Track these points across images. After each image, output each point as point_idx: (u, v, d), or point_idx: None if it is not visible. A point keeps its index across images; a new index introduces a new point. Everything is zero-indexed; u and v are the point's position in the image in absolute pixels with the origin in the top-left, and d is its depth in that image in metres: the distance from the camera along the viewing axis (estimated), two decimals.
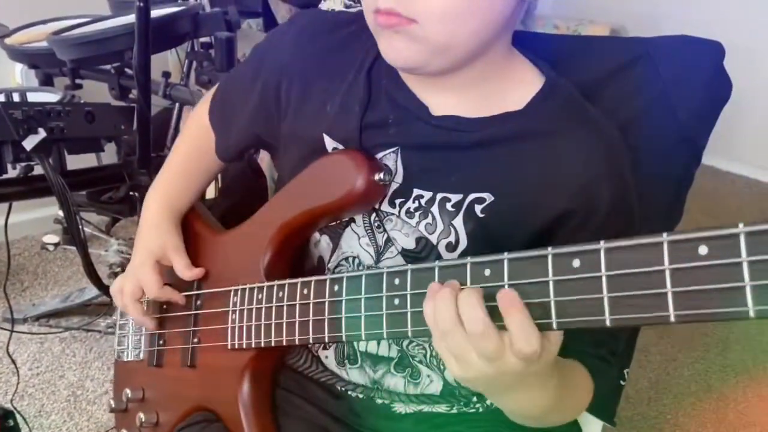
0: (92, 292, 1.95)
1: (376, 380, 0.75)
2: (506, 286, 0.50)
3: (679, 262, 0.41)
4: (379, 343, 0.74)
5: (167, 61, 2.14)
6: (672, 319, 0.41)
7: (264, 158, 1.70)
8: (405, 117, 0.67)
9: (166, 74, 1.74)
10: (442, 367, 0.72)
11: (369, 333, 0.61)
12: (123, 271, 1.75)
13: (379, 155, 0.69)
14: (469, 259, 0.53)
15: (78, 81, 1.73)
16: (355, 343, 0.76)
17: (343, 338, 0.63)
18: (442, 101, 0.66)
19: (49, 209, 2.17)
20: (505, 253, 0.50)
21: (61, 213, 1.94)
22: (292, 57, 0.74)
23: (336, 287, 0.64)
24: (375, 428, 0.76)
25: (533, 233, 0.66)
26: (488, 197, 0.65)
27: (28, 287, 2.11)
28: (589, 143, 0.65)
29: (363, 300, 0.61)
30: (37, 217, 2.26)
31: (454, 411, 0.74)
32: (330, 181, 0.69)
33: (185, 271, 0.84)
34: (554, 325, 0.47)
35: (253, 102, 0.78)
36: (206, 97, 0.89)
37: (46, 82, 1.85)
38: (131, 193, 1.45)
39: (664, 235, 0.42)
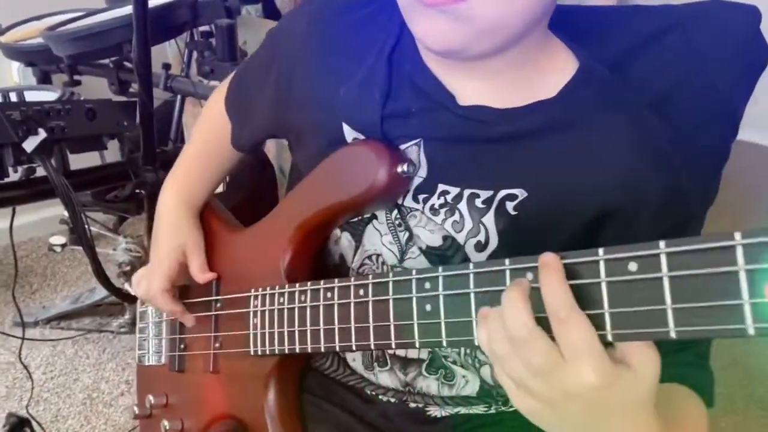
0: (103, 292, 1.92)
1: (407, 383, 0.71)
2: None
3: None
4: None
5: (167, 53, 2.09)
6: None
7: (270, 148, 1.66)
8: (429, 106, 0.62)
9: (167, 66, 1.70)
10: (477, 365, 0.68)
11: (399, 342, 0.57)
12: (132, 269, 1.73)
13: (401, 147, 0.64)
14: (507, 264, 0.48)
15: (76, 77, 1.69)
16: None
17: (372, 346, 0.59)
18: (471, 90, 0.61)
19: (54, 209, 2.14)
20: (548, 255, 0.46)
21: (66, 213, 1.90)
22: (306, 41, 0.69)
23: (361, 291, 0.60)
24: None
25: (571, 233, 0.61)
26: (521, 193, 0.60)
27: (37, 289, 2.08)
28: (630, 131, 0.60)
29: (391, 302, 0.57)
30: (43, 218, 2.23)
31: (492, 411, 0.70)
32: (349, 174, 0.65)
33: (199, 273, 0.80)
34: (609, 337, 0.42)
35: (269, 89, 0.74)
36: (222, 87, 0.85)
37: (44, 79, 1.80)
38: (137, 191, 1.41)
39: (737, 236, 0.37)
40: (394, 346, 0.57)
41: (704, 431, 0.59)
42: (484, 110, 0.60)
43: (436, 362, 0.69)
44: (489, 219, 0.61)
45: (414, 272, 0.55)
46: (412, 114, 0.63)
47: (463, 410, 0.70)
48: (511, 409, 0.71)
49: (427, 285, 0.54)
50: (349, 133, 0.67)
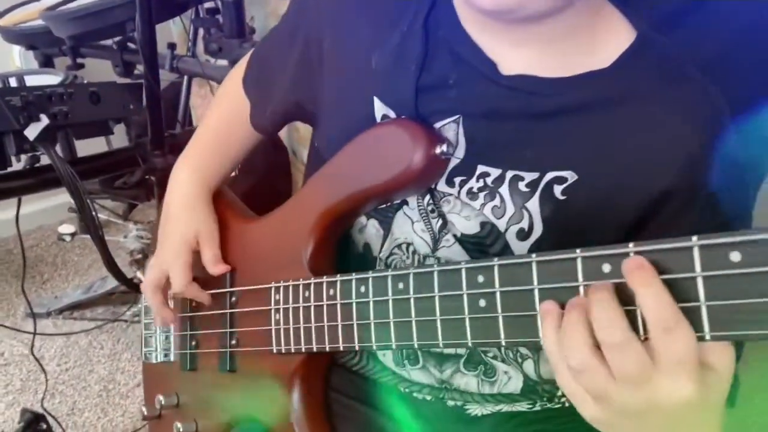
0: (115, 280, 1.88)
1: (444, 380, 0.66)
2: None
3: None
4: None
5: (171, 32, 2.02)
6: None
7: (282, 130, 1.60)
8: (469, 76, 0.56)
9: (172, 46, 1.64)
10: (519, 360, 0.63)
11: (447, 342, 0.51)
12: (144, 257, 1.68)
13: (437, 125, 0.58)
14: (579, 252, 0.42)
15: (79, 60, 1.63)
16: None
17: (415, 345, 0.53)
18: (515, 58, 0.55)
19: (63, 196, 2.09)
20: (630, 244, 0.40)
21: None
22: (335, 6, 0.63)
23: (401, 285, 0.54)
24: None
25: (622, 220, 0.55)
26: (570, 176, 0.54)
27: (48, 279, 2.04)
28: (691, 107, 0.53)
29: (438, 299, 0.51)
30: (51, 206, 2.19)
31: (537, 408, 0.65)
32: (381, 157, 0.59)
33: (212, 265, 0.75)
34: (707, 337, 0.36)
35: (293, 61, 0.68)
36: (240, 64, 0.79)
37: (47, 63, 1.75)
38: (146, 177, 1.35)
39: None
40: (441, 346, 0.51)
41: None
42: (531, 80, 0.54)
43: (475, 357, 0.64)
44: (533, 204, 0.55)
45: (463, 263, 0.49)
46: (450, 86, 0.57)
47: (505, 408, 0.65)
48: (557, 407, 0.65)
49: (481, 278, 0.48)
50: (380, 109, 0.61)
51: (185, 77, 1.85)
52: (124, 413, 1.54)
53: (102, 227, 1.18)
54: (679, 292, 0.37)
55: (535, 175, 0.55)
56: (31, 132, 0.93)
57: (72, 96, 1.00)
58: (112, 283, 1.87)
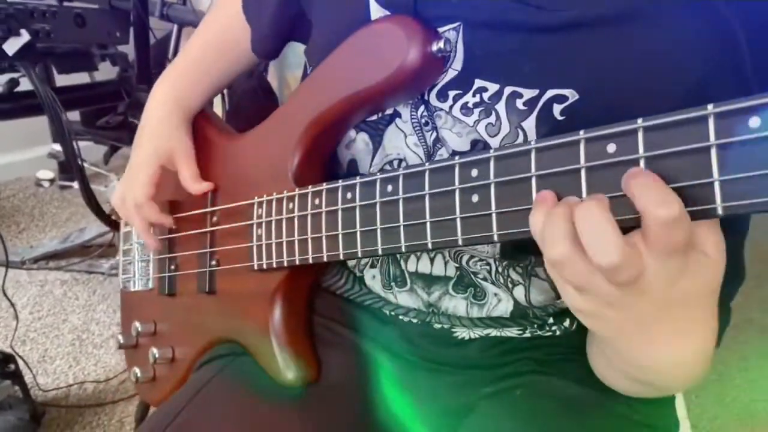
0: (93, 231, 1.84)
1: (431, 303, 0.64)
2: (642, 162, 0.37)
3: None
4: (432, 262, 0.62)
5: None
6: None
7: (273, 75, 1.56)
8: None
9: None
10: (510, 285, 0.61)
11: (436, 241, 0.49)
12: None
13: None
14: (582, 134, 0.40)
15: None
16: (402, 263, 0.64)
17: (403, 248, 0.51)
18: None
19: (42, 148, 2.04)
20: (639, 120, 0.37)
21: (55, 147, 1.81)
22: None
23: (390, 187, 0.52)
24: (433, 357, 0.65)
25: None
26: (571, 95, 0.51)
27: (24, 229, 2.00)
28: (707, 27, 0.51)
29: (427, 197, 0.49)
30: (31, 158, 2.14)
31: (527, 335, 0.63)
32: (373, 57, 0.56)
33: (192, 183, 0.72)
34: (720, 210, 0.34)
35: None
36: None
37: None
38: (130, 118, 1.31)
39: None
40: (430, 246, 0.49)
41: (709, 362, 0.52)
42: None
43: (465, 279, 0.62)
44: (530, 123, 0.53)
45: (457, 158, 0.47)
46: None
47: (494, 332, 0.62)
48: (547, 334, 0.63)
49: (475, 172, 0.45)
50: (376, 12, 0.58)
51: (174, 27, 1.80)
52: (96, 363, 1.51)
53: (84, 167, 1.15)
54: (691, 167, 0.35)
55: (534, 92, 0.52)
56: (11, 47, 0.89)
57: (56, 15, 0.96)
58: (89, 233, 1.83)
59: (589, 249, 0.36)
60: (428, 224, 0.49)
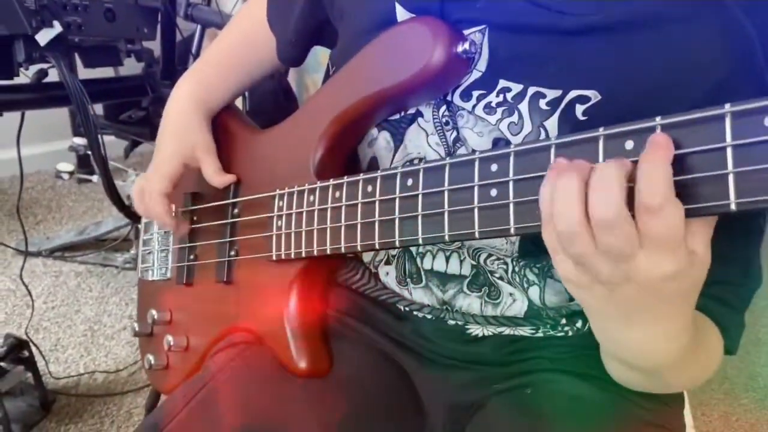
0: (108, 225, 1.86)
1: (445, 301, 0.65)
2: None
3: None
4: (448, 260, 0.64)
5: None
6: None
7: (293, 78, 1.58)
8: None
9: None
10: (526, 285, 0.62)
11: (453, 234, 0.50)
12: None
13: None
14: (601, 131, 0.41)
15: None
16: (417, 260, 0.65)
17: (420, 241, 0.52)
18: None
19: (61, 142, 2.07)
20: (657, 118, 0.39)
21: (76, 140, 1.83)
22: None
23: (410, 181, 0.53)
24: (446, 353, 0.66)
25: None
26: (594, 96, 0.53)
27: (41, 221, 2.03)
28: (726, 33, 0.52)
29: (447, 193, 0.50)
30: (50, 151, 2.17)
31: (540, 334, 0.64)
32: (399, 56, 0.57)
33: (215, 176, 0.74)
34: (733, 206, 0.35)
35: None
36: None
37: None
38: (152, 114, 1.33)
39: None
40: (447, 239, 0.50)
41: (714, 364, 0.56)
42: None
43: (480, 279, 0.63)
44: (552, 123, 0.54)
45: (477, 153, 0.48)
46: None
47: (507, 331, 0.63)
48: (559, 335, 0.64)
49: (494, 167, 0.47)
50: (403, 16, 0.60)
51: (198, 27, 1.83)
52: (107, 354, 1.53)
53: (107, 157, 1.17)
54: (706, 161, 0.36)
55: (557, 93, 0.54)
56: (43, 37, 0.91)
57: (87, 9, 0.99)
58: (105, 227, 1.86)
59: (591, 198, 0.38)
60: (446, 217, 0.50)
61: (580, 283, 0.43)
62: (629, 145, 0.40)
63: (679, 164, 0.37)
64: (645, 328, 0.45)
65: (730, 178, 0.35)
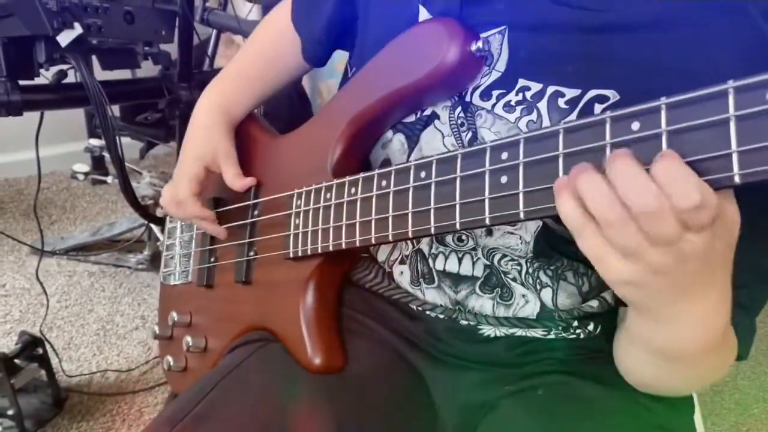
0: (122, 226, 1.88)
1: (458, 301, 0.65)
2: (664, 137, 0.39)
3: None
4: (460, 261, 0.64)
5: None
6: None
7: (306, 84, 1.59)
8: None
9: None
10: (539, 287, 0.62)
11: (464, 221, 0.50)
12: (156, 203, 1.68)
13: (482, 36, 0.58)
14: (608, 113, 0.42)
15: None
16: (430, 261, 0.66)
17: (432, 230, 0.53)
18: None
19: (78, 143, 2.10)
20: (662, 98, 0.39)
21: (92, 142, 1.86)
22: None
23: (423, 173, 0.54)
24: (458, 353, 0.66)
25: None
26: (612, 95, 0.53)
27: (56, 221, 2.05)
28: (742, 27, 0.52)
29: (458, 180, 0.50)
30: (67, 152, 2.19)
31: (551, 336, 0.64)
32: (413, 56, 0.58)
33: (235, 180, 0.75)
34: (737, 178, 0.36)
35: None
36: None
37: None
38: (168, 116, 1.35)
39: None
40: (458, 227, 0.50)
41: (730, 358, 0.56)
42: None
43: (492, 280, 0.63)
44: None
45: (488, 142, 0.49)
46: None
47: (519, 332, 0.64)
48: (571, 337, 0.64)
49: (505, 155, 0.47)
50: (424, 17, 0.61)
51: (213, 32, 1.85)
52: (119, 353, 1.54)
53: (124, 157, 1.18)
54: (711, 138, 0.37)
55: (576, 92, 0.54)
56: (64, 38, 0.93)
57: (107, 11, 1.00)
58: (119, 228, 1.88)
59: (621, 191, 0.38)
60: (457, 205, 0.50)
61: (637, 279, 0.42)
62: (635, 125, 0.40)
63: (683, 140, 0.38)
64: (704, 299, 0.45)
65: (734, 152, 0.36)
